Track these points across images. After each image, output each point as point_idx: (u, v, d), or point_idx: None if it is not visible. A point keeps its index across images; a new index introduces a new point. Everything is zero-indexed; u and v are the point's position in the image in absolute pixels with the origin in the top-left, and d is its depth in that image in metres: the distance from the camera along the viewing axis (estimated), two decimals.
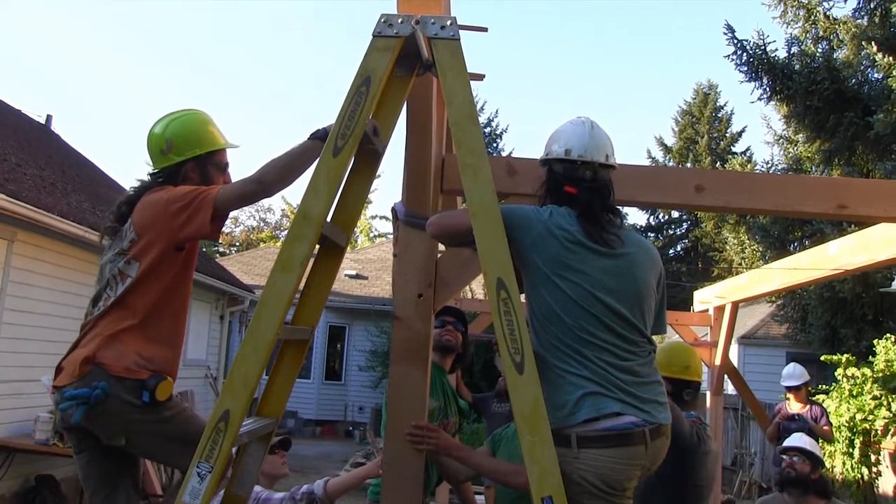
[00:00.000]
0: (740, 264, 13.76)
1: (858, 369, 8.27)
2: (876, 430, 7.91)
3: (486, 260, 1.97)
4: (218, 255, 25.67)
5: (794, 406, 6.61)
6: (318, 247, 2.17)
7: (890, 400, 7.85)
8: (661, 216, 28.02)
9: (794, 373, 6.68)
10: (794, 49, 10.38)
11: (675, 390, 2.96)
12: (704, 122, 27.69)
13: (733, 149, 26.79)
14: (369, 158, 2.28)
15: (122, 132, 51.30)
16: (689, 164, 26.49)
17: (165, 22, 47.67)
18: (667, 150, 28.21)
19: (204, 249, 15.68)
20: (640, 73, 48.52)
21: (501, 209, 2.05)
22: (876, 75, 9.67)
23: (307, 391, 16.91)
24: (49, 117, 11.91)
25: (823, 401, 8.16)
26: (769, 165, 12.59)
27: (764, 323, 15.38)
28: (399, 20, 2.12)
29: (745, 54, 10.02)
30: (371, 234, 32.42)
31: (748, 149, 26.64)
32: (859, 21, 10.18)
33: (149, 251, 2.36)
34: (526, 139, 43.05)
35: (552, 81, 49.47)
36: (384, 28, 2.12)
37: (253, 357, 1.93)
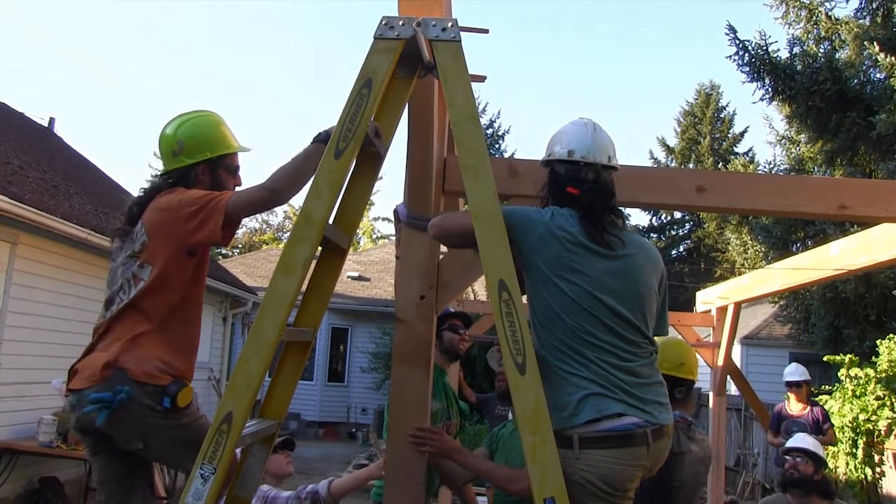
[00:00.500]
0: (743, 265, 13.74)
1: (861, 370, 8.25)
2: (879, 431, 7.89)
3: (487, 261, 1.97)
4: (220, 257, 25.70)
5: (794, 406, 6.60)
6: (320, 249, 2.18)
7: (893, 400, 7.83)
8: (663, 217, 28.02)
9: (795, 370, 6.70)
10: (796, 49, 10.37)
11: (668, 387, 2.94)
12: (707, 122, 27.68)
13: (736, 149, 26.79)
14: (371, 160, 2.29)
15: (125, 135, 51.44)
16: (691, 165, 26.48)
17: (167, 25, 47.78)
18: (669, 150, 28.21)
19: None
20: (642, 74, 48.53)
21: (503, 210, 2.05)
22: (878, 75, 9.66)
23: (310, 393, 16.92)
24: (52, 120, 11.95)
25: (826, 401, 8.14)
26: (771, 166, 12.58)
27: (767, 323, 15.36)
28: (400, 22, 2.13)
29: (747, 55, 10.01)
30: (374, 236, 32.46)
31: (751, 149, 26.66)
32: (861, 21, 10.16)
33: (160, 254, 2.36)
34: (529, 140, 43.10)
35: (555, 82, 49.48)
36: (385, 30, 2.13)
37: (255, 359, 1.93)
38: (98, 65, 46.98)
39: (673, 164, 26.95)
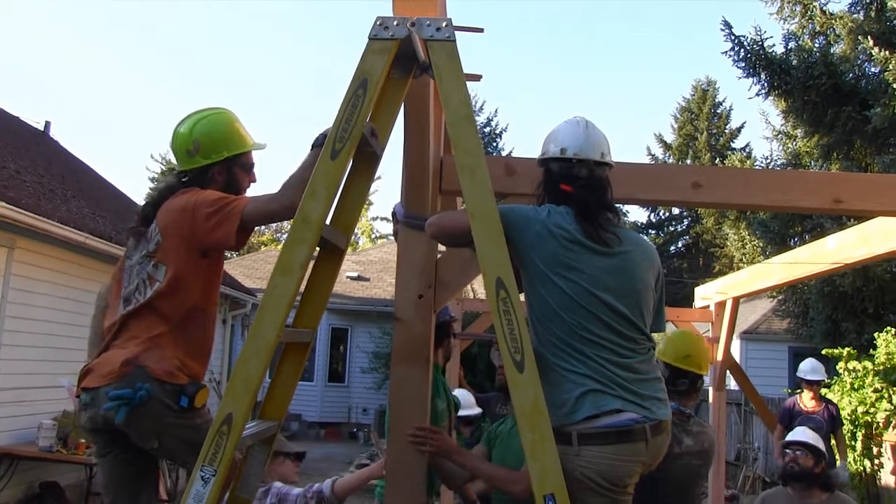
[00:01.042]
0: (741, 260, 13.73)
1: (860, 363, 8.27)
2: (877, 423, 7.90)
3: (484, 260, 1.98)
4: None
5: (807, 402, 6.52)
6: (318, 249, 2.18)
7: (891, 392, 7.85)
8: (661, 213, 28.06)
9: (814, 367, 6.59)
10: (792, 44, 10.38)
11: (670, 378, 2.90)
12: (703, 118, 27.71)
13: (733, 145, 26.84)
14: (368, 161, 2.29)
15: (124, 137, 51.35)
16: (688, 161, 26.49)
17: (167, 25, 47.71)
18: (666, 146, 28.24)
19: None
20: (640, 72, 48.53)
21: (500, 209, 2.06)
22: (873, 69, 9.67)
23: (311, 394, 16.93)
24: (47, 124, 11.93)
25: (825, 395, 8.15)
26: (768, 161, 12.60)
27: (765, 318, 15.39)
28: (395, 22, 2.13)
29: (742, 50, 10.01)
30: (373, 236, 32.46)
31: (748, 144, 26.74)
32: (855, 15, 10.17)
33: (174, 255, 2.36)
34: (526, 138, 43.10)
35: (552, 80, 49.52)
36: (380, 30, 2.13)
37: (255, 360, 1.94)
38: (98, 65, 47.08)
39: (670, 161, 26.95)
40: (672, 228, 28.65)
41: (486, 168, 2.04)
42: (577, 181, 2.20)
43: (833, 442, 6.52)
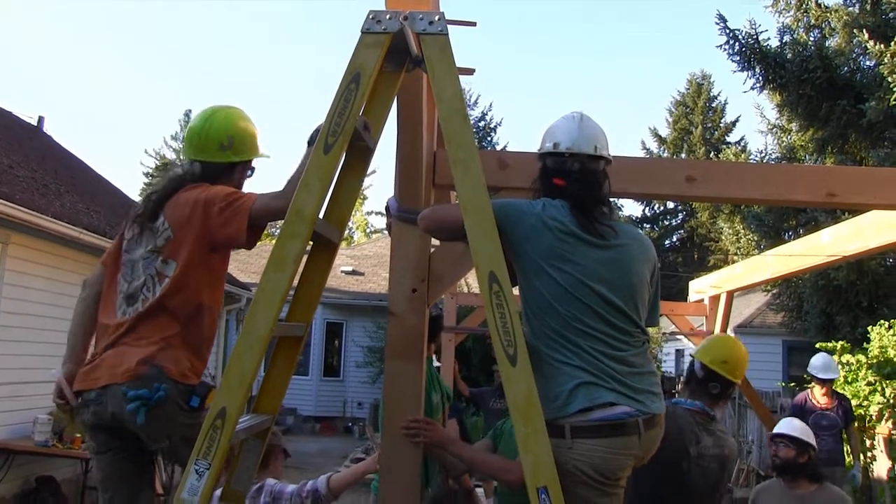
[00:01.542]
0: (736, 254, 13.76)
1: (853, 356, 8.31)
2: (871, 416, 7.96)
3: (477, 254, 1.98)
4: None
5: (820, 399, 6.36)
6: (311, 244, 2.18)
7: (884, 385, 7.90)
8: (656, 207, 28.08)
9: (827, 364, 6.46)
10: (786, 38, 10.37)
11: (703, 378, 2.91)
12: (698, 112, 27.73)
13: (727, 138, 26.86)
14: (361, 155, 2.29)
15: (124, 134, 51.14)
16: (683, 155, 26.53)
17: (167, 25, 47.47)
18: (661, 140, 28.25)
19: None
20: (634, 65, 48.51)
21: (494, 204, 2.06)
22: (868, 63, 9.66)
23: (306, 388, 16.93)
24: (41, 119, 11.86)
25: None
26: (763, 155, 12.61)
27: (760, 312, 15.43)
28: (387, 16, 2.12)
29: (737, 44, 10.00)
30: (367, 230, 32.42)
31: (742, 138, 26.75)
32: (850, 9, 10.17)
33: (185, 250, 2.34)
34: (521, 132, 43.07)
35: (547, 75, 49.45)
36: (372, 24, 2.13)
37: (248, 354, 1.94)
38: (97, 65, 46.77)
39: (665, 155, 26.98)
40: (667, 222, 28.69)
41: (479, 162, 2.04)
42: (569, 175, 2.21)
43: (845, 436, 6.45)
